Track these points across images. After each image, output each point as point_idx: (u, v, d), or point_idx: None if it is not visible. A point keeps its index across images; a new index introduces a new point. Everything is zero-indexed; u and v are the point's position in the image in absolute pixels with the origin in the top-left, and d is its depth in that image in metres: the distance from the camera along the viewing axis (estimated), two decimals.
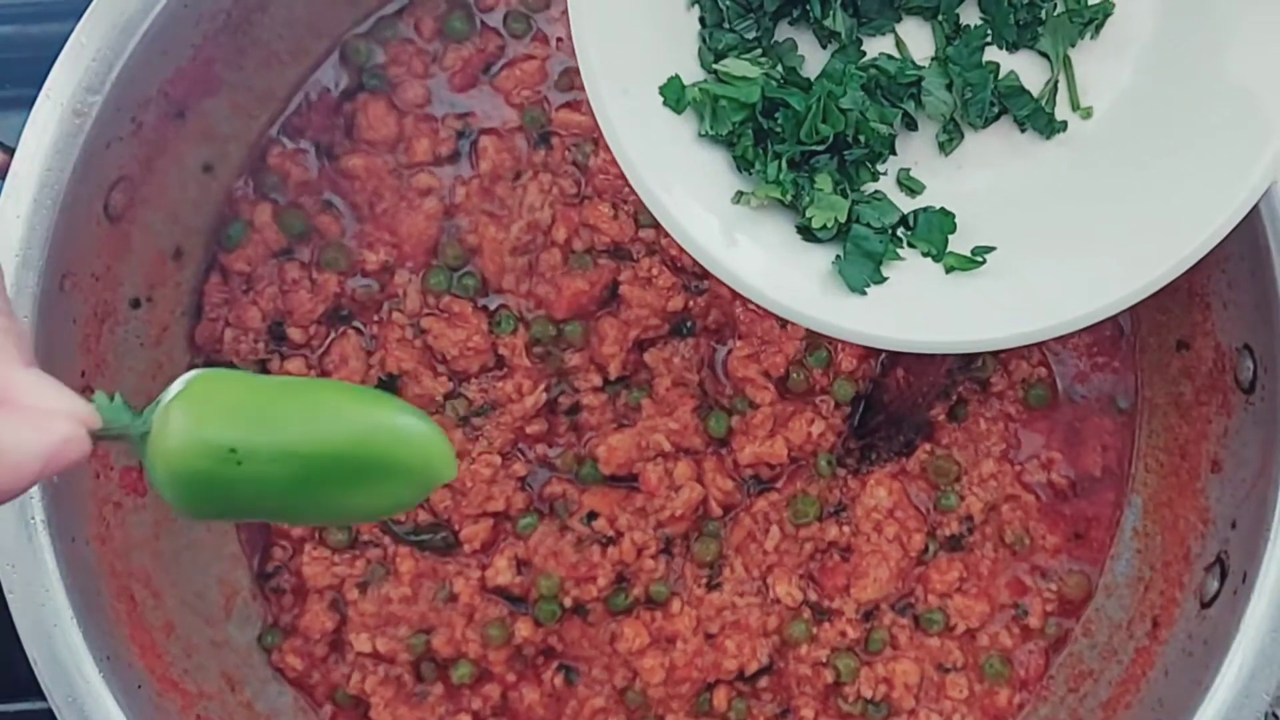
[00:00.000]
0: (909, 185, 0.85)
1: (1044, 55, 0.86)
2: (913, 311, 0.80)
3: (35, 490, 0.82)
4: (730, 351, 0.97)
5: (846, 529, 0.97)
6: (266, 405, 0.57)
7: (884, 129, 0.83)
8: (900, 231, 0.83)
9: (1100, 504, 0.98)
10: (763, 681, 0.97)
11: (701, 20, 0.84)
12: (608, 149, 0.96)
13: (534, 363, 0.96)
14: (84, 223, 0.85)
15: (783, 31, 0.85)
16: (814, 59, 0.85)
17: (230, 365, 0.97)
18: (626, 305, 0.96)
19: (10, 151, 0.82)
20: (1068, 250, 0.81)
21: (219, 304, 0.97)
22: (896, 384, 0.97)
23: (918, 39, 0.86)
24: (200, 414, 0.57)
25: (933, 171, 0.85)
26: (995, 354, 0.97)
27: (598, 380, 0.97)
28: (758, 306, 0.80)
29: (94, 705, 0.83)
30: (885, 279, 0.81)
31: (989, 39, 0.86)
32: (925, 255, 0.83)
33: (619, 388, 0.97)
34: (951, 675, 0.97)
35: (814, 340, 0.96)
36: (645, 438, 0.96)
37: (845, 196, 0.82)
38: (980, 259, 0.82)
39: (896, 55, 0.85)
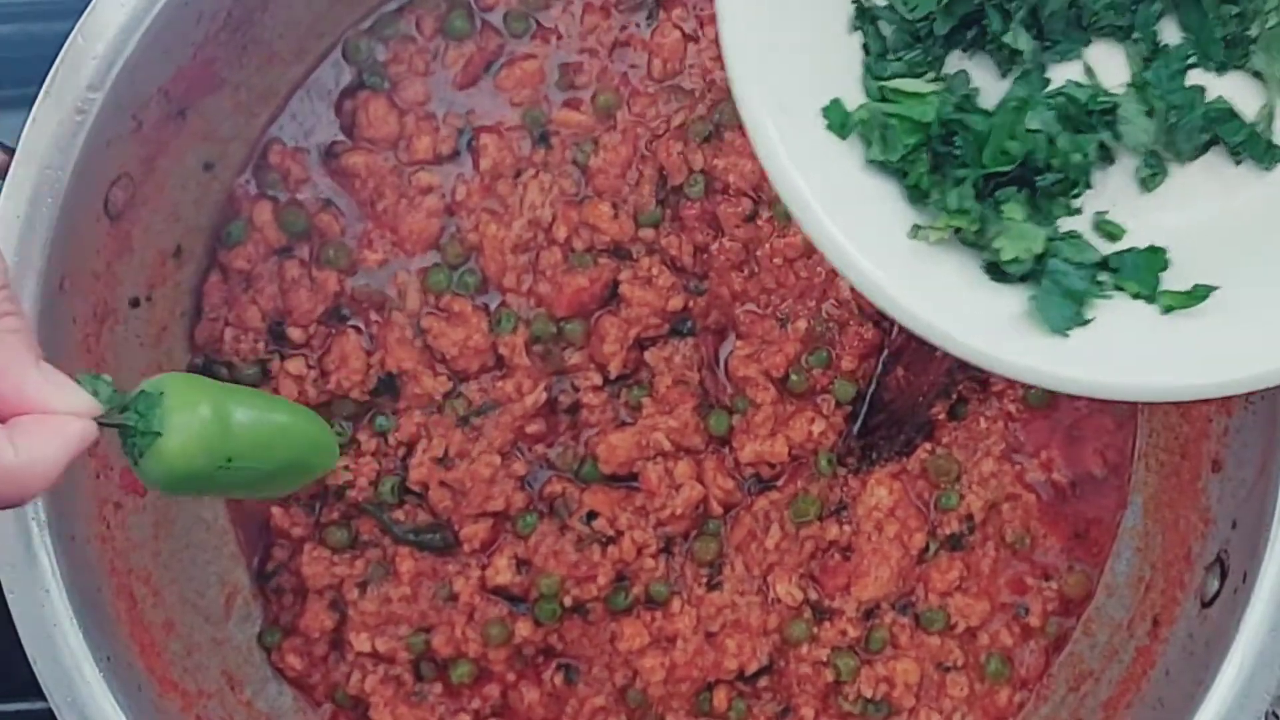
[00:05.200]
0: (1107, 230, 0.76)
1: (1257, 75, 0.77)
2: (1126, 355, 0.72)
3: None
4: (731, 351, 0.97)
5: (847, 528, 0.97)
6: (244, 423, 0.69)
7: (1078, 157, 0.75)
8: (1102, 274, 0.75)
9: (1101, 503, 0.99)
10: (763, 681, 0.97)
11: (865, 48, 0.76)
12: (608, 149, 0.96)
13: (534, 361, 0.96)
14: (84, 222, 0.85)
15: (955, 63, 0.77)
16: (991, 92, 0.77)
17: (230, 365, 0.97)
18: (627, 304, 0.96)
19: (10, 150, 0.82)
20: None
21: (219, 303, 0.97)
22: (897, 383, 0.97)
23: (1109, 64, 0.77)
24: (202, 425, 0.67)
25: (1134, 212, 0.77)
26: None
27: (598, 379, 0.97)
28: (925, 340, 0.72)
29: (94, 705, 0.83)
30: (1089, 320, 0.73)
31: (1192, 59, 0.77)
32: (1135, 297, 0.74)
33: (619, 387, 0.97)
34: (952, 674, 0.97)
35: (814, 340, 0.96)
36: (645, 437, 0.96)
37: (1040, 227, 0.74)
38: (1203, 295, 0.73)
39: (1085, 83, 0.77)
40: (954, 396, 0.98)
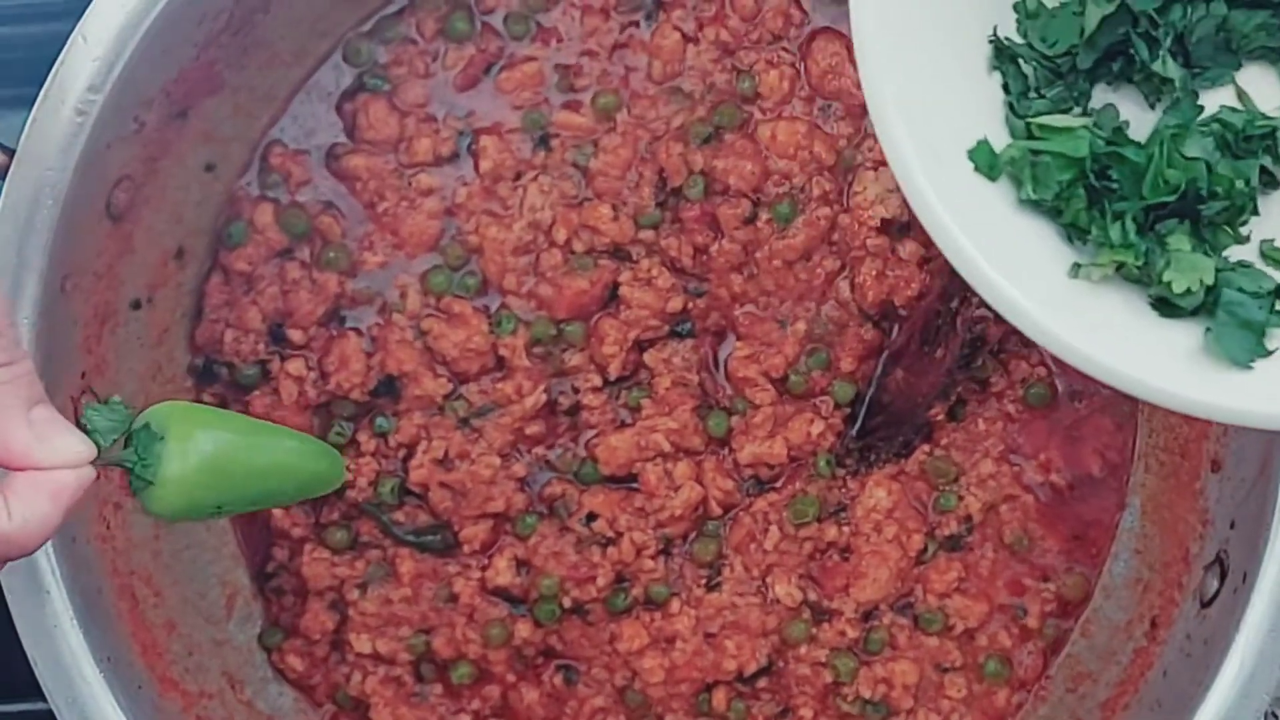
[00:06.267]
0: (1276, 258, 0.74)
1: None
2: None
3: None
4: (730, 352, 0.97)
5: (846, 529, 0.97)
6: (244, 463, 0.70)
7: (1241, 183, 0.72)
8: (1278, 304, 0.72)
9: (1099, 504, 0.99)
10: (762, 682, 0.97)
11: (1005, 88, 0.75)
12: (608, 151, 0.96)
13: (534, 363, 0.96)
14: (85, 223, 0.85)
15: (1101, 96, 0.76)
16: (1140, 124, 0.75)
17: (230, 366, 0.97)
18: (626, 306, 0.96)
19: (11, 152, 0.82)
20: None
21: (220, 305, 0.97)
22: (896, 385, 0.97)
23: (1263, 88, 0.76)
24: (194, 474, 0.68)
25: None
26: (995, 354, 0.97)
27: (598, 380, 0.97)
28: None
29: (94, 705, 0.83)
30: (1272, 351, 0.70)
31: None
32: None
33: (619, 388, 0.97)
34: (950, 675, 0.97)
35: (814, 341, 0.96)
36: (645, 438, 0.96)
37: (1209, 257, 0.72)
38: None
39: (1239, 108, 0.75)
40: (953, 398, 0.98)
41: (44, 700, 0.83)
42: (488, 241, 0.96)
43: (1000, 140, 0.73)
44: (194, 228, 0.96)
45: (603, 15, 0.98)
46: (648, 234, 0.97)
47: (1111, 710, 0.94)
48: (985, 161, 0.72)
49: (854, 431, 0.98)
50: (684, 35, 0.97)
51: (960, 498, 0.97)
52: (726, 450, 0.97)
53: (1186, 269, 0.71)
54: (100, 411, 0.66)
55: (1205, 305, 0.72)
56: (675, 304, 0.96)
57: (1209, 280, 0.71)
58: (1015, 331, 0.94)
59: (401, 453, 0.97)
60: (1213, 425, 0.92)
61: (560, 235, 0.96)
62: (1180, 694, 0.87)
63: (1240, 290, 0.71)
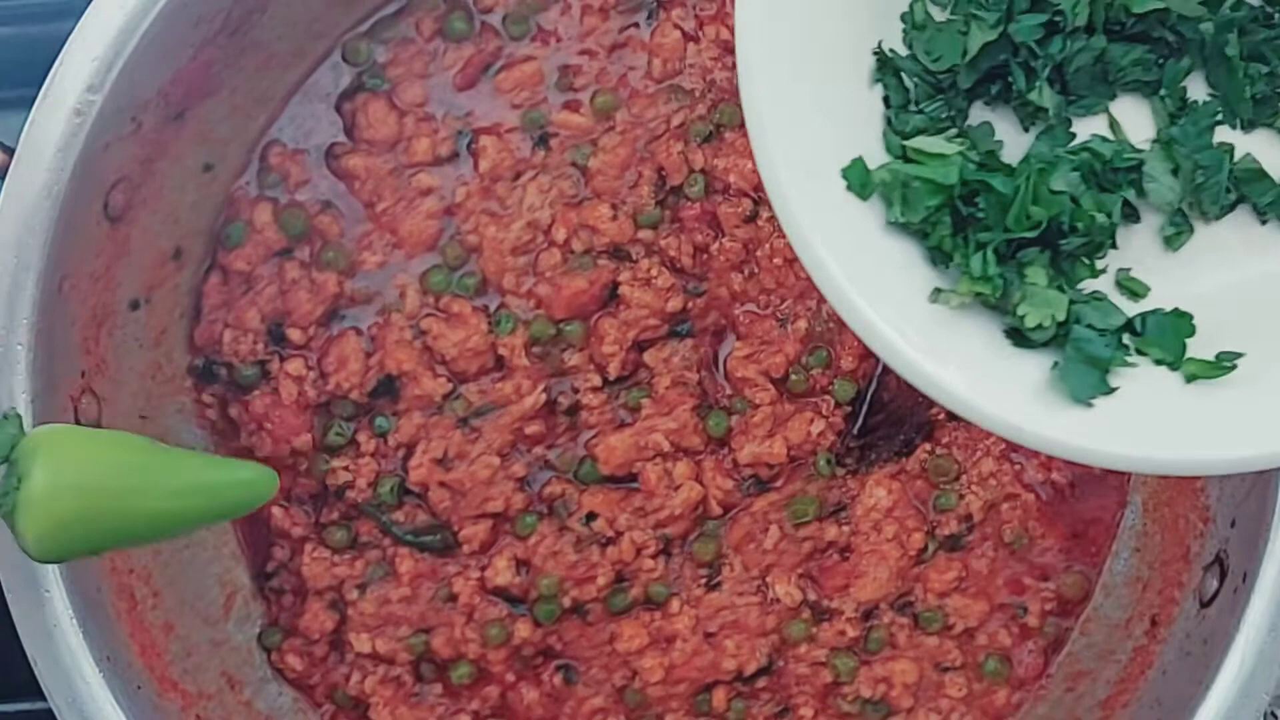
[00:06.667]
0: (1130, 288, 0.74)
1: None
2: (1149, 426, 0.71)
3: None
4: (730, 351, 0.97)
5: (846, 529, 0.97)
6: (112, 508, 0.65)
7: (1103, 218, 0.73)
8: (1126, 338, 0.73)
9: (1099, 503, 0.98)
10: (762, 681, 0.97)
11: (886, 100, 0.75)
12: (608, 151, 0.96)
13: (533, 362, 0.96)
14: (83, 224, 0.85)
15: (978, 114, 0.76)
16: (1014, 145, 0.75)
17: (229, 366, 0.97)
18: (625, 305, 0.96)
19: (9, 152, 0.82)
20: None
21: (218, 305, 0.97)
22: (896, 383, 0.97)
23: (1135, 119, 0.76)
24: (57, 525, 0.63)
25: (1158, 271, 0.75)
26: None
27: (597, 380, 0.97)
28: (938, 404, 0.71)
29: (94, 705, 0.83)
30: (1113, 389, 0.71)
31: (1219, 117, 0.75)
32: (1158, 363, 0.72)
33: (618, 388, 0.97)
34: (950, 675, 0.97)
35: (814, 340, 0.96)
36: (644, 438, 0.96)
37: (1062, 292, 0.72)
38: (1229, 365, 0.72)
39: (1111, 137, 0.76)
40: None
41: (44, 700, 0.83)
42: (487, 241, 0.96)
43: (877, 157, 0.73)
44: (192, 228, 0.96)
45: (601, 15, 0.98)
46: (647, 233, 0.97)
47: (1111, 709, 0.94)
48: (858, 180, 0.72)
49: (854, 430, 0.98)
50: (684, 33, 0.97)
51: (960, 496, 0.97)
52: (726, 450, 0.97)
53: (1040, 304, 0.71)
54: None
55: (1057, 338, 0.72)
56: (675, 303, 0.96)
57: (1060, 316, 0.71)
58: None
59: (401, 453, 0.97)
60: None
61: (559, 235, 0.96)
62: (1180, 693, 0.86)
63: (1090, 326, 0.72)
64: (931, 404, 0.97)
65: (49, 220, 0.82)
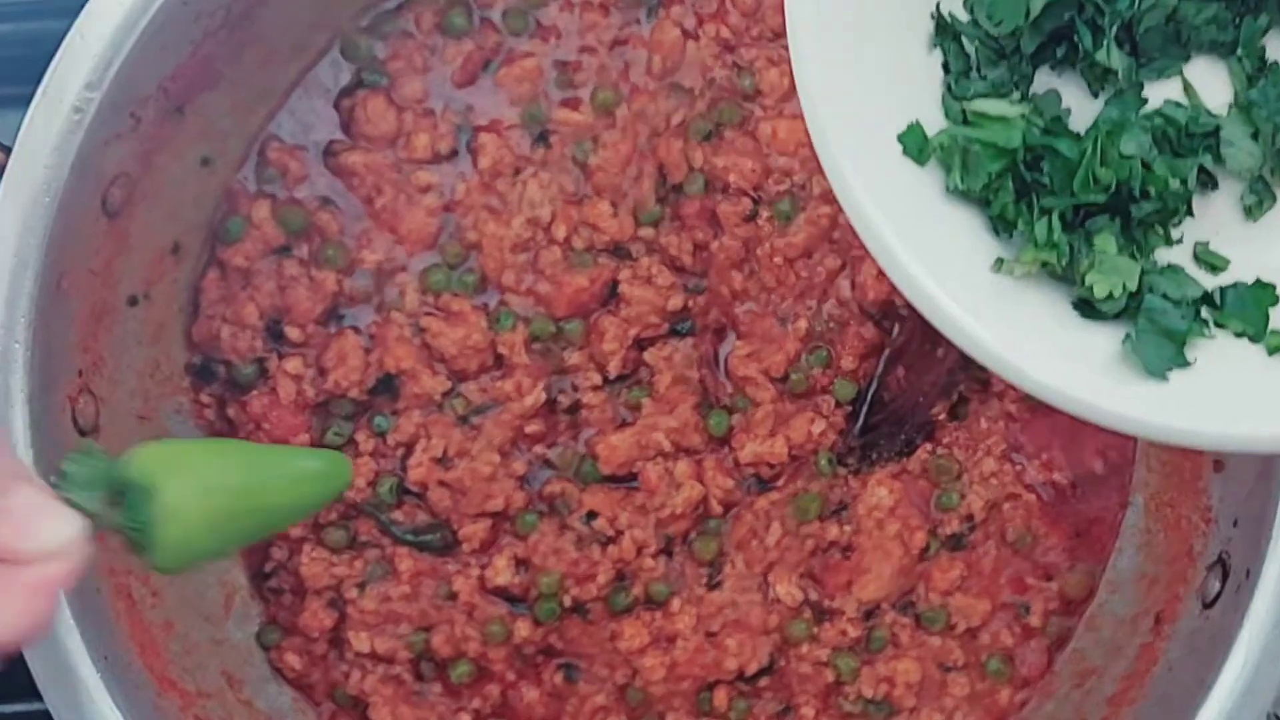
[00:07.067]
0: (1209, 261, 0.71)
1: None
2: (1227, 401, 0.67)
3: None
4: (731, 350, 0.97)
5: (848, 528, 0.97)
6: (244, 504, 0.67)
7: (1176, 184, 0.69)
8: (1205, 311, 0.70)
9: (1102, 503, 0.98)
10: (763, 681, 0.97)
11: (945, 67, 0.72)
12: (608, 148, 0.96)
13: (533, 360, 0.96)
14: (82, 220, 0.85)
15: (1044, 81, 0.73)
16: (1082, 114, 0.72)
17: (228, 364, 0.96)
18: (626, 303, 0.96)
19: (7, 149, 0.82)
20: None
21: (216, 300, 0.97)
22: (898, 383, 0.96)
23: (1211, 82, 0.73)
24: (195, 529, 0.64)
25: (1238, 242, 0.72)
26: None
27: (597, 378, 0.96)
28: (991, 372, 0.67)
29: (92, 706, 0.83)
30: (1190, 362, 0.68)
31: None
32: (1239, 336, 0.69)
33: (619, 386, 0.97)
34: (953, 674, 0.97)
35: (815, 339, 0.96)
36: (646, 436, 0.95)
37: (1134, 260, 0.69)
38: None
39: (1185, 102, 0.72)
40: (955, 396, 0.98)
41: (42, 700, 0.83)
42: (487, 238, 0.96)
43: (935, 123, 0.70)
44: (190, 223, 0.95)
45: (602, 11, 0.97)
46: (647, 231, 0.96)
47: (1118, 705, 0.94)
48: (915, 145, 0.69)
49: (855, 430, 0.97)
50: (684, 31, 0.97)
51: (962, 496, 0.97)
52: (727, 449, 0.97)
53: (1110, 272, 0.68)
54: (80, 462, 0.62)
55: (1128, 310, 0.69)
56: (675, 301, 0.96)
57: (1132, 286, 0.68)
58: None
59: (400, 451, 0.96)
60: None
61: (560, 232, 0.96)
62: (1186, 689, 0.86)
63: (1164, 297, 0.69)
64: (933, 404, 0.97)
65: (47, 218, 0.82)
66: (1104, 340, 0.69)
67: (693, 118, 0.96)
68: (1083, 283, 0.69)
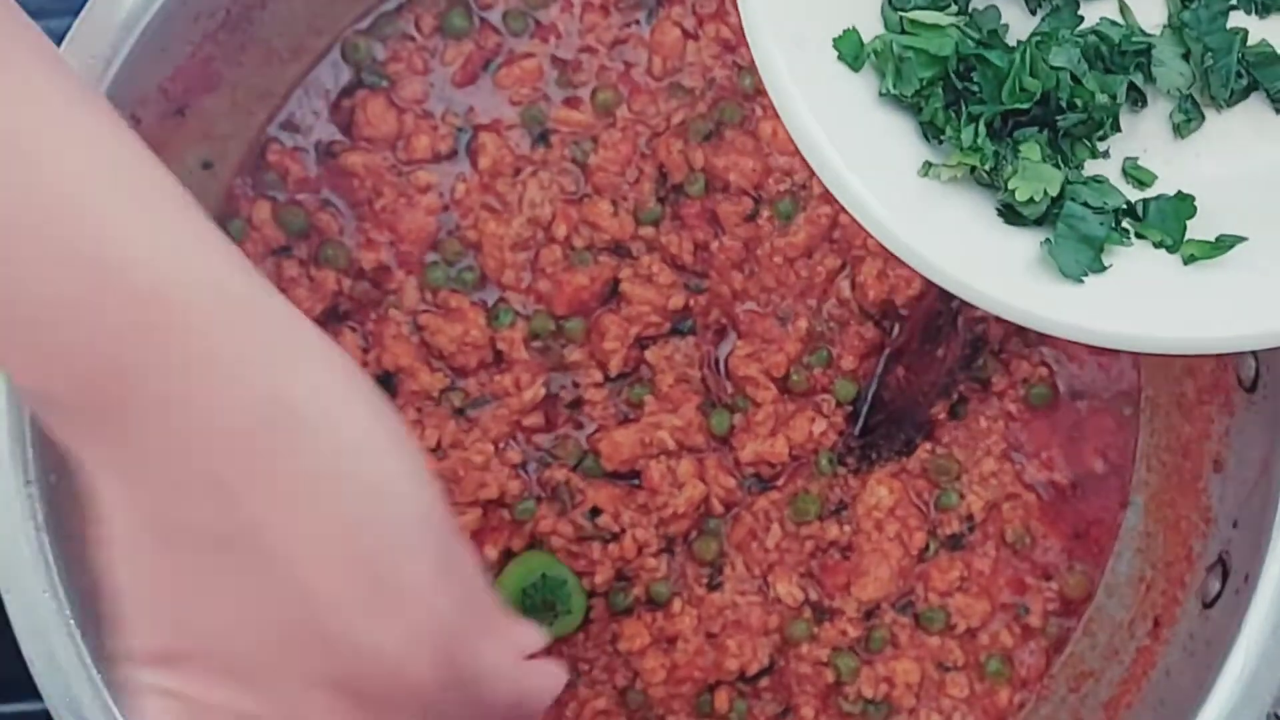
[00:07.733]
0: (1137, 176, 0.73)
1: None
2: (1141, 305, 0.70)
3: (34, 490, 0.82)
4: (731, 350, 0.97)
5: (847, 528, 0.97)
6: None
7: (1104, 98, 0.72)
8: (1126, 222, 0.72)
9: (1102, 503, 0.98)
10: (763, 681, 0.97)
11: None
12: (608, 147, 0.96)
13: (533, 356, 0.96)
14: None
15: None
16: (1020, 28, 0.74)
17: None
18: (627, 302, 0.96)
19: None
20: None
21: None
22: (898, 383, 0.96)
23: (1146, 4, 0.75)
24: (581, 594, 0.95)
25: (1166, 158, 0.74)
26: (996, 353, 0.97)
27: (598, 376, 0.96)
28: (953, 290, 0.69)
29: (92, 706, 0.83)
30: (1106, 267, 0.70)
31: (1234, 1, 0.74)
32: (1158, 246, 0.71)
33: (620, 384, 0.97)
34: (952, 674, 0.97)
35: (815, 339, 0.96)
36: (649, 434, 0.95)
37: (1058, 169, 0.71)
38: (1229, 244, 0.71)
39: (1120, 21, 0.74)
40: (954, 396, 0.97)
41: (40, 701, 0.83)
42: (486, 238, 0.96)
43: (873, 30, 0.72)
44: None
45: (602, 11, 0.97)
46: (648, 230, 0.96)
47: (1115, 709, 0.94)
48: (850, 51, 0.71)
49: (856, 430, 0.97)
50: (684, 31, 0.97)
51: (962, 496, 0.97)
52: (728, 448, 0.97)
53: (1033, 178, 0.70)
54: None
55: (1050, 216, 0.71)
56: (676, 301, 0.96)
57: (1054, 191, 0.70)
58: (1017, 331, 0.95)
59: None
60: (1214, 425, 0.92)
61: (560, 231, 0.96)
62: (1184, 694, 0.86)
63: (1085, 204, 0.70)
64: (932, 403, 0.97)
65: None
66: (1025, 244, 0.70)
67: (693, 118, 0.96)
68: (1006, 188, 0.70)
